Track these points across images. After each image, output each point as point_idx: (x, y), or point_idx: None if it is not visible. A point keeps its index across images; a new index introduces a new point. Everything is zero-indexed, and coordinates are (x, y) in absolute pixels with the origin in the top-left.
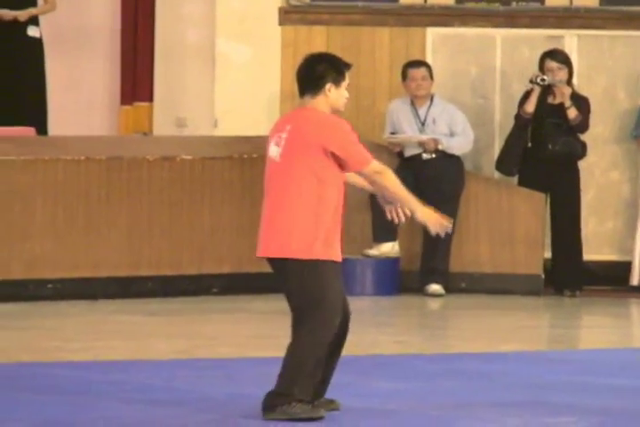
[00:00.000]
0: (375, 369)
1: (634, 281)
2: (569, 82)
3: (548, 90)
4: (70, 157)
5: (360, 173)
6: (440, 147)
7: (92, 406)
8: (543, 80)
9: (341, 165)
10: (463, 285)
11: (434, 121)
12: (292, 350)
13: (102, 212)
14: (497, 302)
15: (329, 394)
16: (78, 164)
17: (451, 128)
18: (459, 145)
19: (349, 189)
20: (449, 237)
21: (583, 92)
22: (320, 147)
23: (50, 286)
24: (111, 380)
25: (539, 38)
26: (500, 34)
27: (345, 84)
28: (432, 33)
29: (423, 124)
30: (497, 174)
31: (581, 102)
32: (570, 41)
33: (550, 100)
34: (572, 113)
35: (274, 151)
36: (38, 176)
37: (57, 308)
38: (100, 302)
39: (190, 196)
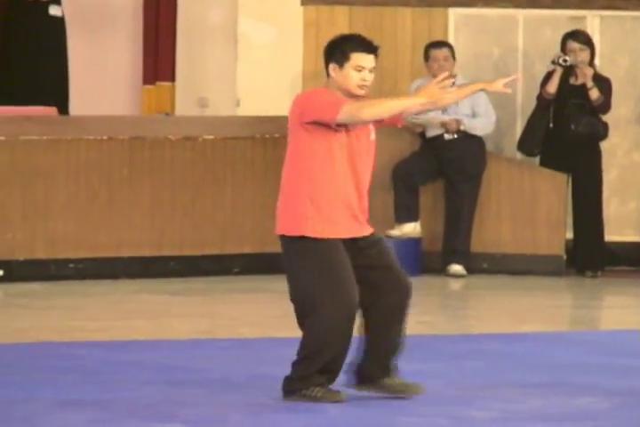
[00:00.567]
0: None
1: None
2: (591, 63)
3: (570, 71)
4: (92, 136)
5: (343, 122)
6: (462, 127)
7: (114, 386)
8: (565, 61)
9: (326, 126)
10: (485, 265)
11: (456, 102)
12: (304, 335)
13: (124, 192)
14: (518, 283)
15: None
16: (100, 143)
17: (473, 109)
18: (481, 126)
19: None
20: (471, 217)
21: (606, 73)
22: (299, 122)
23: (72, 265)
24: (132, 360)
25: (561, 19)
26: (522, 14)
27: (350, 65)
28: (454, 13)
29: None
30: (519, 155)
31: (603, 83)
32: (592, 22)
33: (572, 80)
34: (594, 94)
35: None
36: (60, 156)
37: (79, 287)
38: (122, 281)
39: (212, 176)
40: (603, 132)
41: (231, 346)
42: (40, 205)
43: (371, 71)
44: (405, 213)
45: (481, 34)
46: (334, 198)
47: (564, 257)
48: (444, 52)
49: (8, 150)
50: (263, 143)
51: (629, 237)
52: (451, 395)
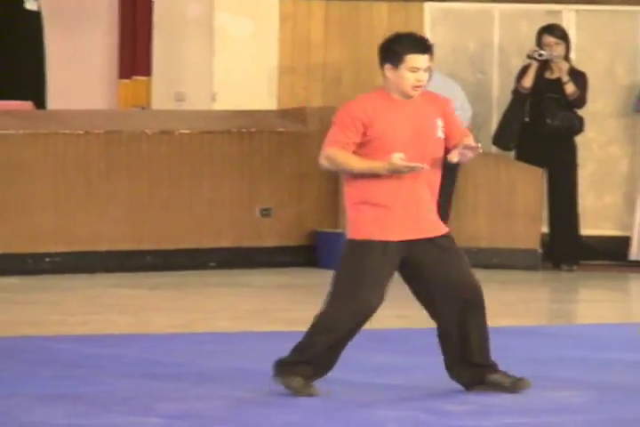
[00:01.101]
0: (375, 343)
1: (632, 256)
2: (566, 57)
3: (545, 65)
4: (69, 130)
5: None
6: None
7: (92, 380)
8: (541, 55)
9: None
10: None
11: None
12: (312, 322)
13: (102, 186)
14: (495, 277)
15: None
16: (77, 138)
17: None
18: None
19: None
20: (447, 211)
21: (582, 67)
22: None
23: (49, 259)
24: (110, 354)
25: (537, 13)
26: (498, 9)
27: (405, 66)
28: (430, 7)
29: None
30: (495, 149)
31: (579, 77)
32: (568, 16)
33: (548, 75)
34: (570, 88)
35: None
36: (38, 150)
37: (57, 281)
38: (100, 275)
39: (189, 170)
40: (578, 126)
41: (208, 340)
42: (18, 199)
43: (425, 71)
44: None
45: (457, 28)
46: (391, 201)
47: (540, 251)
48: None
49: None
50: (240, 137)
51: (605, 230)
52: (429, 388)
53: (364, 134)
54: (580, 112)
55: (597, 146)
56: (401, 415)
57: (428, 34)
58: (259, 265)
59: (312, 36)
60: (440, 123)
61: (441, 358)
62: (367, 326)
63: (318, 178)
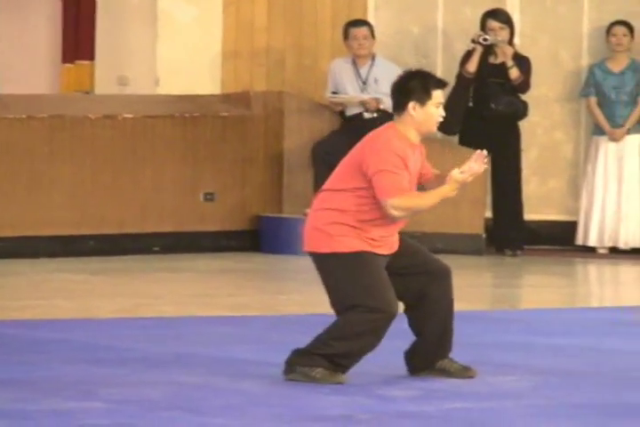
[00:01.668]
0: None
1: (579, 241)
2: (511, 42)
3: (489, 50)
4: (12, 115)
5: (384, 206)
6: (382, 106)
7: (37, 366)
8: (485, 40)
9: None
10: None
11: (375, 80)
12: (338, 321)
13: (45, 170)
14: None
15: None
16: (20, 122)
17: None
18: None
19: (291, 145)
20: None
21: (526, 52)
22: (359, 169)
23: None
24: (54, 338)
25: None
26: None
27: (432, 102)
28: None
29: (365, 83)
30: (439, 134)
31: (523, 62)
32: (512, 0)
33: (492, 60)
34: (514, 73)
35: None
36: None
37: (0, 266)
38: (42, 260)
39: (132, 154)
40: (522, 111)
41: (152, 325)
42: None
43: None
44: None
45: (401, 12)
46: (379, 237)
47: (485, 236)
48: (364, 30)
49: None
50: (183, 122)
51: (549, 215)
52: (373, 374)
53: None
54: (525, 97)
55: (542, 131)
56: (344, 400)
57: (371, 18)
58: (202, 250)
59: (255, 21)
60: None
61: (386, 343)
62: (312, 310)
63: (262, 163)
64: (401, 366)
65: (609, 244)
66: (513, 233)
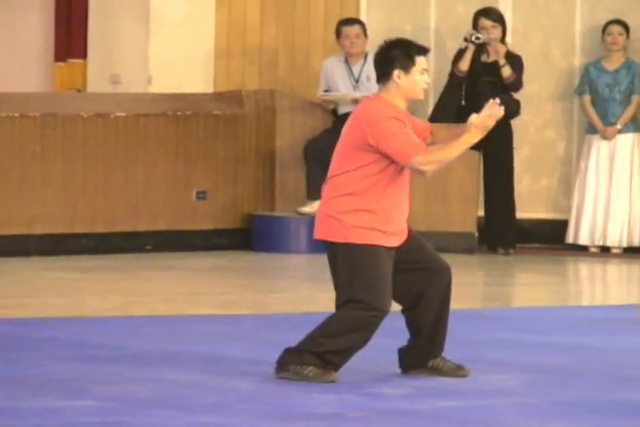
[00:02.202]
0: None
1: (569, 239)
2: (503, 40)
3: (482, 48)
4: (5, 113)
5: (409, 167)
6: None
7: (28, 363)
8: (477, 38)
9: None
10: None
11: (368, 78)
12: (332, 317)
13: (37, 168)
14: None
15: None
16: (12, 120)
17: None
18: None
19: (283, 143)
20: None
21: (518, 50)
22: (365, 142)
23: None
24: (46, 336)
25: None
26: None
27: (416, 69)
28: None
29: (357, 81)
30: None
31: (515, 61)
32: None
33: (484, 58)
34: (507, 71)
35: None
36: None
37: None
38: (34, 258)
39: (124, 152)
40: (515, 109)
41: (144, 323)
42: None
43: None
44: (317, 189)
45: (393, 11)
46: (388, 208)
47: (476, 234)
48: (356, 29)
49: None
50: (175, 120)
51: (541, 214)
52: (365, 372)
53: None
54: (517, 95)
55: (533, 129)
56: (335, 398)
57: (364, 16)
58: (194, 248)
59: (248, 19)
60: None
61: (377, 341)
62: (302, 309)
63: (254, 161)
64: (393, 365)
65: (599, 242)
66: (505, 231)
